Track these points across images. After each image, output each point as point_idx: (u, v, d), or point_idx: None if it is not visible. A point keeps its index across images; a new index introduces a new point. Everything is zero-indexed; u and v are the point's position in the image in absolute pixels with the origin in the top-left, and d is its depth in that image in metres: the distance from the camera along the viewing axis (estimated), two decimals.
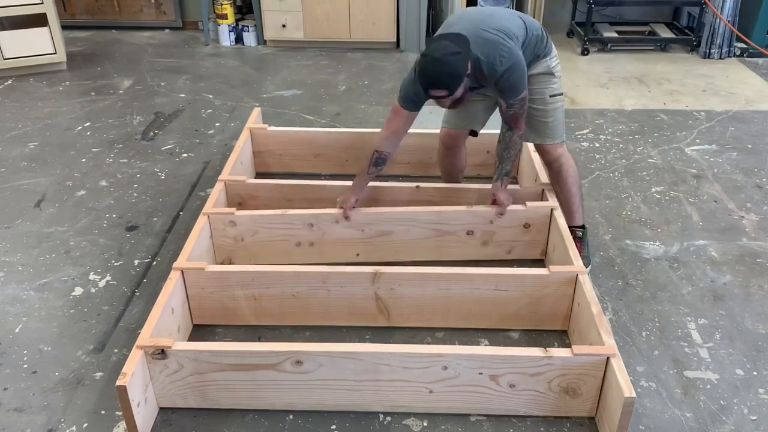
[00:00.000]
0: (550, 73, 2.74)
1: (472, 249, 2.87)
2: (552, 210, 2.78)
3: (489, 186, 2.90)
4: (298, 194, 3.06)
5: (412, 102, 2.65)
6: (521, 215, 2.80)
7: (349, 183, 2.90)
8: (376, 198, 3.04)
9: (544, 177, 3.03)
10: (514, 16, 2.67)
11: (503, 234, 2.84)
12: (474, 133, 3.01)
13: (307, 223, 2.79)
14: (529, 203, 2.80)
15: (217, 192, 2.96)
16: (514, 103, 2.58)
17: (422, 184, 3.05)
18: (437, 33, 2.60)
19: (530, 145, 3.33)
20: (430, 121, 4.40)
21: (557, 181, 2.89)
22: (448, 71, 2.36)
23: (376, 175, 2.80)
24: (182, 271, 2.45)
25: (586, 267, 2.81)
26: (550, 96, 2.77)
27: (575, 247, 2.60)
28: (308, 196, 3.06)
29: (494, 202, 2.80)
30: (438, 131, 3.11)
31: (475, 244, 2.86)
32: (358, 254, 2.87)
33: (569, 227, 2.75)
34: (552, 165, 2.89)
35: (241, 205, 3.08)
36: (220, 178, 3.07)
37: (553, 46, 2.78)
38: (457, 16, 2.69)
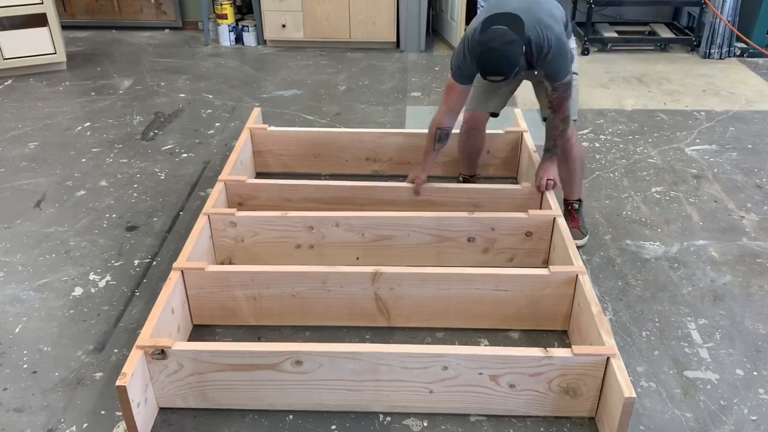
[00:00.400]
0: (571, 52, 2.83)
1: (473, 256, 2.86)
2: (555, 218, 2.76)
3: (491, 186, 3.03)
4: (298, 194, 3.07)
5: (466, 78, 2.78)
6: (523, 223, 2.79)
7: (349, 183, 2.99)
8: (377, 198, 3.04)
9: (536, 163, 3.05)
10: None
11: (505, 241, 2.83)
12: (495, 115, 3.14)
13: (307, 225, 2.79)
14: (531, 211, 2.79)
15: (217, 192, 2.96)
16: (558, 87, 2.69)
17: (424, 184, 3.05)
18: (489, 10, 2.62)
19: (531, 145, 3.33)
20: (429, 121, 4.40)
21: (564, 158, 2.98)
22: (506, 60, 2.46)
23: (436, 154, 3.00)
24: (182, 271, 2.45)
25: (583, 238, 3.05)
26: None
27: (573, 219, 2.88)
28: (308, 195, 3.06)
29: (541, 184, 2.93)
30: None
31: (476, 251, 2.85)
32: (357, 258, 2.86)
33: (568, 200, 3.02)
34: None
35: (241, 206, 3.08)
36: (220, 178, 3.07)
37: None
38: None
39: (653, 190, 3.55)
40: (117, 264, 2.96)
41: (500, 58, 2.45)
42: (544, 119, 2.95)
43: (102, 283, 2.83)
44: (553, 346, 2.42)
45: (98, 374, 2.37)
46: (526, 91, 4.89)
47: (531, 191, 2.99)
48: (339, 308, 2.53)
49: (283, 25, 5.65)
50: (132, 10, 6.16)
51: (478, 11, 2.76)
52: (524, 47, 2.51)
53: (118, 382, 1.96)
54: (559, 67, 2.64)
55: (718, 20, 5.41)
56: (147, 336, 2.12)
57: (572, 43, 2.86)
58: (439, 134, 2.93)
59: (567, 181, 3.07)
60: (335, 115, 4.47)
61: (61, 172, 3.73)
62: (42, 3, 4.92)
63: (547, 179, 2.90)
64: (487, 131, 3.23)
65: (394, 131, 3.48)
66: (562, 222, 2.74)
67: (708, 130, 4.26)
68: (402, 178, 3.48)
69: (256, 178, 3.54)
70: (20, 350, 2.49)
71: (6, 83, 4.98)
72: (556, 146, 2.88)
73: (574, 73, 2.83)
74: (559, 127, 2.81)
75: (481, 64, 2.51)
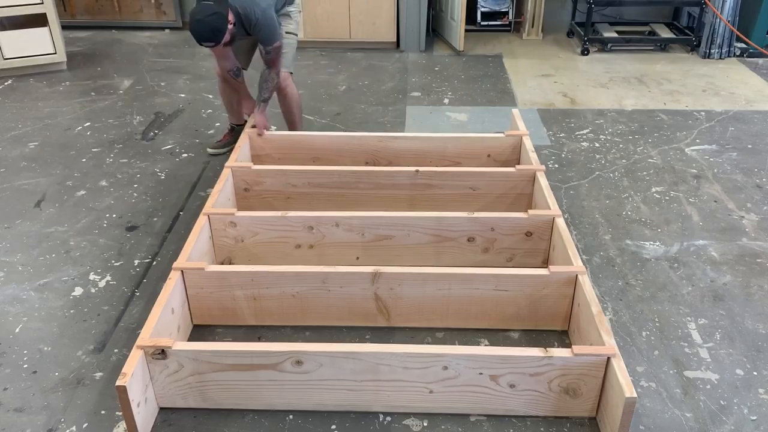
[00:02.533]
0: (288, 15, 3.61)
1: (473, 256, 2.86)
2: (554, 218, 2.76)
3: (486, 169, 3.12)
4: (302, 179, 3.10)
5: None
6: (523, 223, 2.79)
7: (352, 168, 3.15)
8: (378, 183, 3.06)
9: (535, 163, 3.07)
10: None
11: (504, 241, 2.83)
12: (243, 68, 3.74)
13: (307, 225, 2.79)
14: (531, 211, 2.79)
15: (224, 178, 3.01)
16: (270, 50, 3.34)
17: (422, 168, 3.08)
18: None
19: (530, 147, 3.33)
20: (429, 121, 4.41)
21: (283, 102, 3.74)
22: (210, 29, 3.02)
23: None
24: (182, 271, 2.45)
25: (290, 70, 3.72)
26: (286, 33, 3.56)
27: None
28: (312, 180, 3.09)
29: (254, 126, 3.50)
30: (434, 134, 3.26)
31: (476, 251, 2.85)
32: (357, 258, 2.86)
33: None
34: (280, 89, 3.64)
35: (247, 191, 3.13)
36: (226, 165, 3.13)
37: None
38: None
39: (653, 190, 3.55)
40: (117, 264, 2.96)
41: (206, 27, 3.01)
42: (239, 70, 3.65)
43: (102, 283, 2.83)
44: (553, 346, 2.42)
45: (98, 374, 2.37)
46: (526, 91, 4.91)
47: (525, 173, 3.04)
48: (339, 308, 2.53)
49: None
50: (132, 10, 6.15)
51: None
52: (233, 19, 3.10)
53: (118, 382, 1.96)
54: (267, 34, 3.27)
55: (718, 20, 5.41)
56: (147, 336, 2.12)
57: (295, 3, 3.66)
58: (233, 74, 3.62)
59: (289, 118, 3.81)
60: (335, 115, 4.47)
61: (61, 172, 3.73)
62: (42, 3, 4.92)
63: (264, 125, 3.46)
64: (488, 134, 3.32)
65: (393, 135, 3.48)
66: (561, 222, 2.74)
67: (708, 130, 4.26)
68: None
69: None
70: (20, 350, 2.49)
71: (6, 83, 4.98)
72: (269, 96, 3.50)
73: (294, 34, 3.62)
74: (274, 79, 3.44)
75: (193, 34, 3.04)
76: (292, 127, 3.84)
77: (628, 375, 2.00)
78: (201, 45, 3.10)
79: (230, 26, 3.10)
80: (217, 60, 3.62)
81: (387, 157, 3.48)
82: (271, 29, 3.29)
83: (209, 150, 3.91)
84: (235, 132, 3.88)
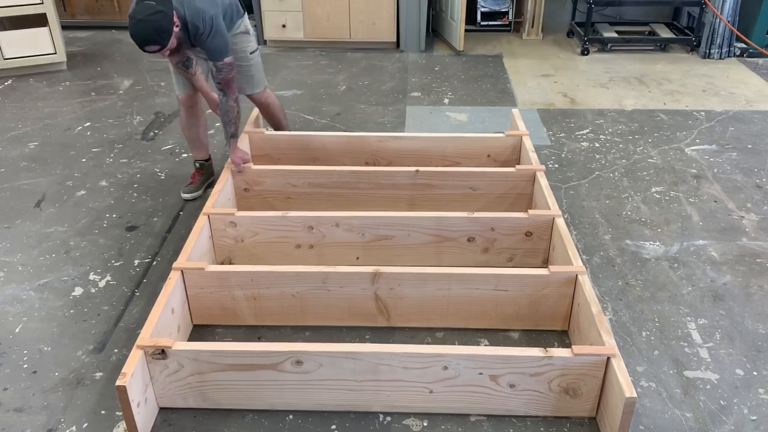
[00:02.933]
0: (247, 32, 3.24)
1: (473, 256, 2.86)
2: (554, 218, 2.76)
3: (486, 169, 3.07)
4: (302, 179, 3.09)
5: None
6: (523, 223, 2.79)
7: (352, 168, 3.10)
8: (378, 183, 3.06)
9: (535, 163, 3.06)
10: None
11: (504, 241, 2.83)
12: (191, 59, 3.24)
13: (307, 225, 2.79)
14: (531, 211, 2.79)
15: (224, 179, 3.00)
16: (222, 67, 2.88)
17: (422, 168, 3.08)
18: None
19: (531, 147, 3.33)
20: (429, 121, 4.41)
21: (267, 113, 3.56)
22: (154, 29, 2.63)
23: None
24: (182, 271, 2.45)
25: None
26: (250, 53, 3.27)
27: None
28: (312, 180, 3.09)
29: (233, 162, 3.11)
30: (434, 134, 3.20)
31: (476, 251, 2.85)
32: (357, 258, 2.87)
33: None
34: (261, 106, 3.49)
35: (247, 191, 3.13)
36: (226, 165, 3.13)
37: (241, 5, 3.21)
38: None
39: (653, 190, 3.55)
40: (117, 264, 2.96)
41: (149, 27, 2.61)
42: (189, 60, 3.11)
43: (102, 283, 2.83)
44: (553, 346, 2.42)
45: (98, 374, 2.37)
46: (526, 91, 4.91)
47: (525, 173, 3.03)
48: (339, 308, 2.53)
49: (283, 25, 5.65)
50: None
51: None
52: (178, 22, 2.71)
53: (118, 382, 1.96)
54: (216, 45, 2.84)
55: (718, 20, 5.41)
56: (147, 336, 2.12)
57: (245, 15, 3.24)
58: (182, 65, 3.10)
59: (275, 123, 3.63)
60: (335, 115, 4.47)
61: (61, 172, 3.73)
62: (42, 3, 4.92)
63: (242, 160, 3.07)
64: (488, 134, 3.26)
65: (393, 135, 3.48)
66: (561, 222, 2.74)
67: (708, 130, 4.26)
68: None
69: None
70: (20, 350, 2.49)
71: (6, 83, 4.98)
72: (238, 128, 3.06)
73: (256, 50, 3.28)
74: (234, 108, 2.99)
75: (135, 38, 2.65)
76: (280, 128, 3.69)
77: (628, 375, 2.00)
78: (144, 50, 2.69)
79: (176, 29, 2.72)
80: (172, 60, 3.10)
81: (387, 157, 3.48)
82: (222, 41, 2.87)
83: (184, 195, 3.41)
84: (206, 169, 3.50)
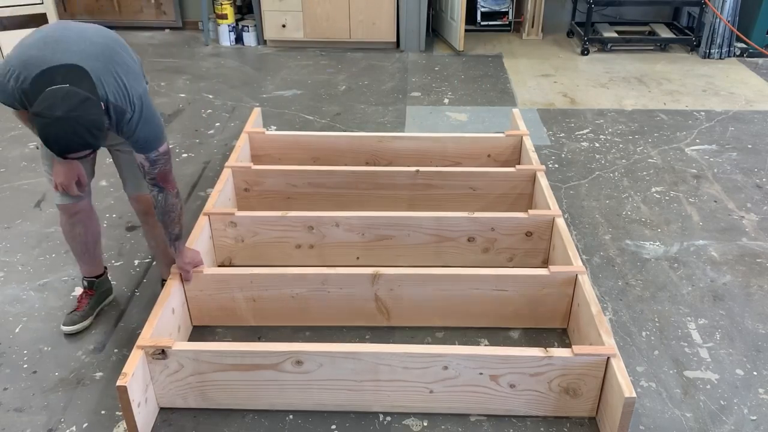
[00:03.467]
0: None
1: (473, 256, 2.86)
2: (554, 218, 2.76)
3: (487, 169, 3.04)
4: (302, 179, 3.09)
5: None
6: (523, 223, 2.79)
7: (352, 168, 3.05)
8: (378, 183, 3.06)
9: (536, 163, 3.06)
10: (116, 39, 2.09)
11: (504, 241, 2.83)
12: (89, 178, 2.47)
13: (307, 225, 2.79)
14: (531, 211, 2.79)
15: (224, 179, 3.00)
16: (157, 159, 2.13)
17: (422, 168, 3.07)
18: (37, 57, 1.90)
19: (531, 147, 3.33)
20: (429, 121, 4.41)
21: (149, 226, 2.49)
22: (86, 128, 1.81)
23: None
24: (180, 273, 2.45)
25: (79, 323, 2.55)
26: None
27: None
28: (313, 181, 3.09)
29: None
30: (434, 134, 3.17)
31: (476, 251, 2.85)
32: (358, 258, 2.87)
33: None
34: (146, 209, 2.45)
35: (247, 191, 3.12)
36: (226, 165, 3.12)
37: None
38: (60, 32, 2.00)
39: (653, 190, 3.55)
40: (117, 264, 2.96)
41: (79, 128, 1.79)
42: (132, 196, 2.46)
43: None
44: (553, 346, 2.42)
45: (98, 374, 2.37)
46: (526, 91, 4.91)
47: (525, 173, 3.01)
48: (339, 309, 2.53)
49: (283, 25, 5.65)
50: (132, 10, 6.15)
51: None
52: (103, 105, 1.91)
53: (118, 382, 1.96)
54: (149, 134, 2.09)
55: (718, 20, 5.41)
56: (147, 336, 2.12)
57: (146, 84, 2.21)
58: (77, 190, 2.33)
59: (163, 255, 2.55)
60: (335, 115, 4.47)
61: None
62: (42, 3, 4.92)
63: (193, 264, 2.43)
64: (488, 134, 3.21)
65: (393, 135, 3.48)
66: (561, 222, 2.75)
67: (708, 130, 4.26)
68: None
69: None
70: (20, 350, 2.48)
71: None
72: (182, 227, 2.35)
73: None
74: (177, 204, 2.27)
75: (53, 144, 1.81)
76: (165, 254, 2.53)
77: (628, 375, 2.00)
78: (66, 157, 1.87)
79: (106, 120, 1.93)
80: (58, 172, 2.26)
81: (387, 157, 3.48)
82: (156, 125, 2.12)
83: (65, 328, 2.53)
84: (97, 288, 2.62)
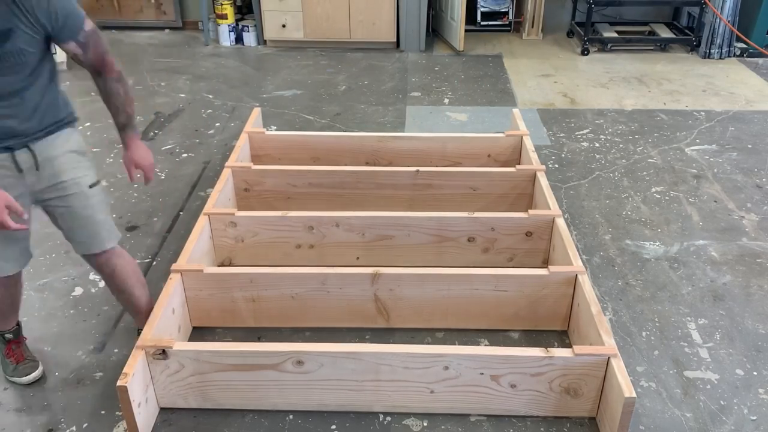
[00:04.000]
0: (83, 152, 2.11)
1: (473, 256, 2.86)
2: (554, 218, 2.77)
3: (487, 169, 3.03)
4: (302, 179, 3.09)
5: None
6: (523, 223, 2.79)
7: (352, 168, 3.04)
8: (378, 183, 3.06)
9: (536, 163, 3.06)
10: None
11: (504, 241, 2.83)
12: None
13: (307, 225, 2.79)
14: (531, 211, 2.79)
15: (224, 179, 3.00)
16: (87, 40, 2.00)
17: (422, 168, 3.07)
18: None
19: (531, 147, 3.33)
20: (429, 121, 4.41)
21: (115, 285, 2.24)
22: None
23: None
24: (181, 273, 2.45)
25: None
26: (90, 186, 2.09)
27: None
28: (313, 181, 3.09)
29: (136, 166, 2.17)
30: (434, 134, 3.18)
31: (476, 251, 2.85)
32: (358, 258, 2.87)
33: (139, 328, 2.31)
34: (104, 270, 2.20)
35: (247, 191, 3.12)
36: (226, 165, 3.12)
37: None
38: None
39: (653, 190, 3.56)
40: None
41: None
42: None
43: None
44: (553, 346, 2.42)
45: (98, 374, 2.37)
46: (526, 91, 4.91)
47: (525, 173, 3.02)
48: (338, 310, 2.53)
49: (283, 25, 5.65)
50: (132, 10, 6.15)
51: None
52: None
53: (119, 383, 1.96)
54: (71, 9, 1.97)
55: (718, 20, 5.41)
56: (148, 336, 2.12)
57: (77, 133, 2.11)
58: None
59: (132, 308, 2.34)
60: (335, 115, 4.47)
61: None
62: None
63: (141, 161, 2.17)
64: (488, 134, 3.18)
65: (393, 135, 3.48)
66: (561, 222, 2.75)
67: (708, 130, 4.26)
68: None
69: None
70: None
71: None
72: (131, 116, 2.15)
73: (97, 182, 2.11)
74: (120, 91, 2.09)
75: None
76: (137, 309, 2.33)
77: (628, 375, 2.00)
78: None
79: None
80: None
81: (387, 157, 3.48)
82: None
83: (25, 379, 2.31)
84: (21, 333, 2.37)
